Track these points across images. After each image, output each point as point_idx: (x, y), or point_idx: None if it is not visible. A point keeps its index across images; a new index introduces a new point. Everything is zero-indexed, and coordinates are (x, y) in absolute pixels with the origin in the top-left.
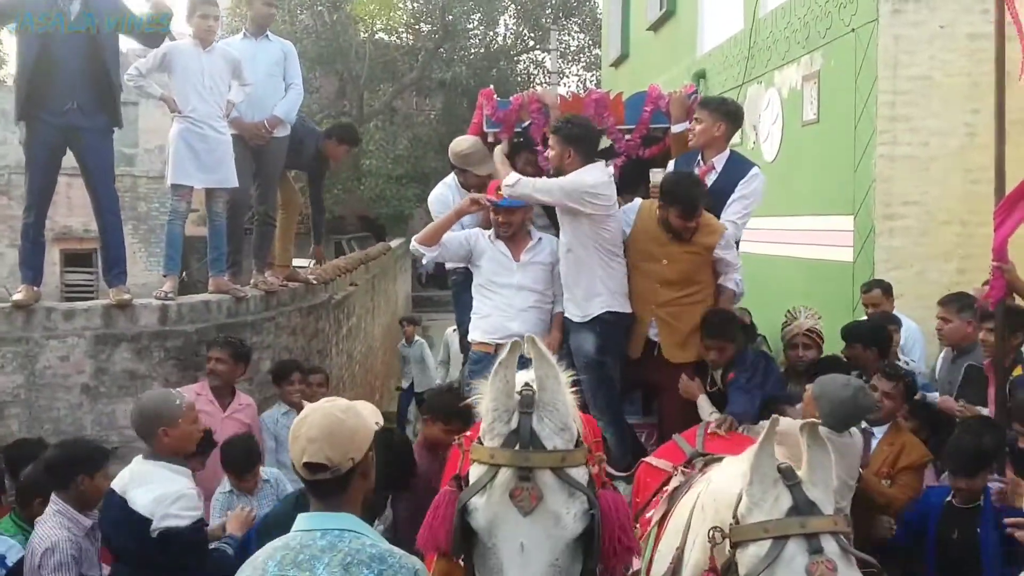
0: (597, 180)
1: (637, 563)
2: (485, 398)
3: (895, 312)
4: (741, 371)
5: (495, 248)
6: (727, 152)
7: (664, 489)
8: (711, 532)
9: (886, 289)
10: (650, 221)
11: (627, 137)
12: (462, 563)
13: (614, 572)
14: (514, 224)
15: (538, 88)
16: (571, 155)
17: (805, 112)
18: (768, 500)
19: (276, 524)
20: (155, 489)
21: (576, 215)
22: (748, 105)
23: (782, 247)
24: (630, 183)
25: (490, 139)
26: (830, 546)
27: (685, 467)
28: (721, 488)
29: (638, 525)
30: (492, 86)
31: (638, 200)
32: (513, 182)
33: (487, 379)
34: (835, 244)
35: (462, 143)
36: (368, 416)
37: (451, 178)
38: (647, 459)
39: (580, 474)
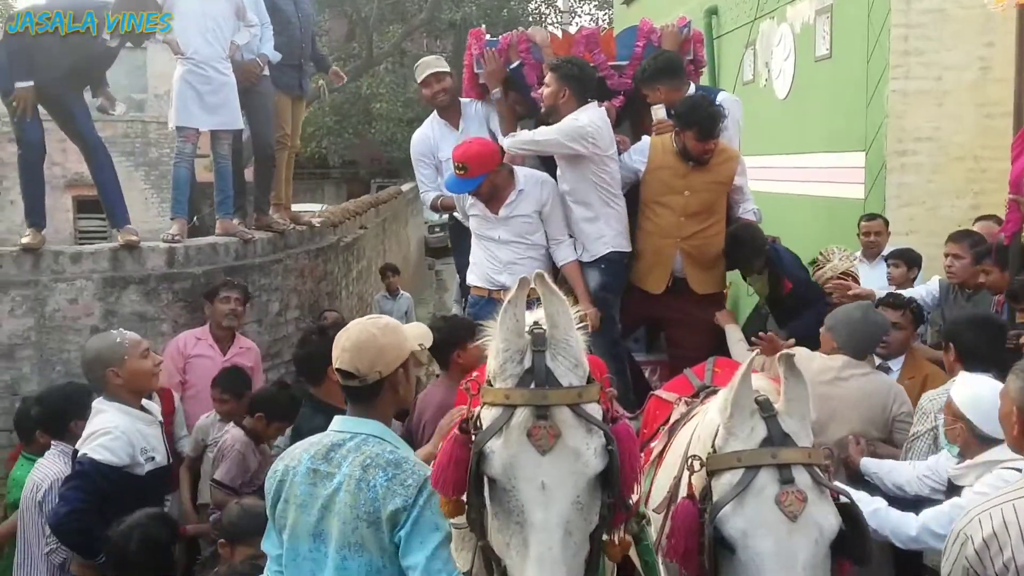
0: (592, 120)
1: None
2: (494, 339)
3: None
4: (796, 283)
5: (477, 203)
6: (691, 89)
7: (667, 421)
8: (690, 460)
9: (885, 222)
10: (666, 155)
11: (620, 75)
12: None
13: (626, 502)
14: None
15: (548, 27)
16: (567, 94)
17: (817, 47)
18: (744, 431)
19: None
20: (92, 424)
21: (576, 159)
22: (761, 41)
23: (793, 184)
24: (631, 120)
25: (481, 80)
26: (802, 477)
27: (689, 400)
28: (713, 419)
29: (643, 455)
30: (502, 26)
31: (647, 139)
32: (513, 137)
33: (490, 320)
34: (846, 181)
35: (422, 60)
36: (408, 337)
37: (433, 116)
38: (656, 392)
39: (595, 410)
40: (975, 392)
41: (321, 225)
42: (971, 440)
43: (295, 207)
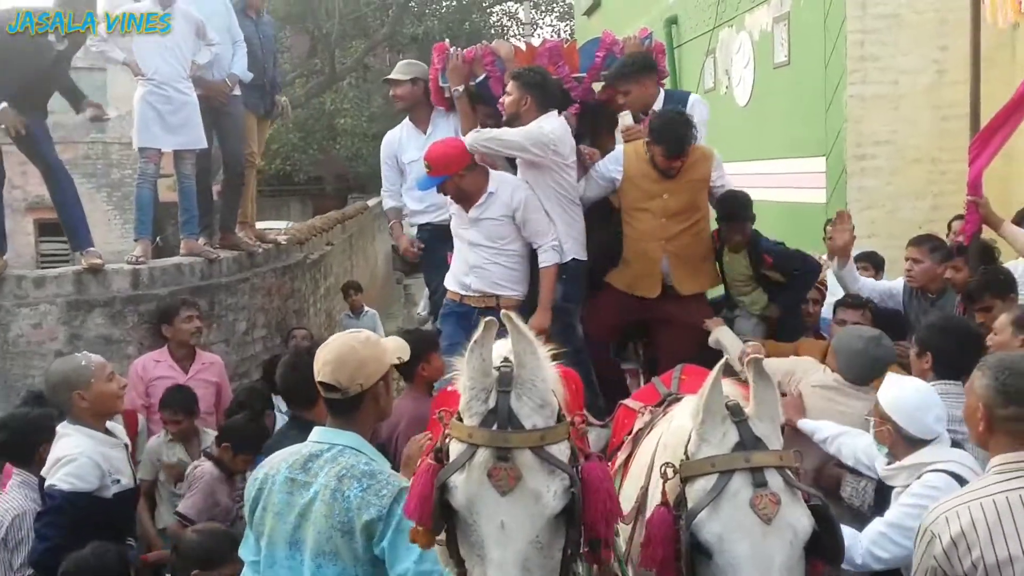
0: (555, 128)
1: None
2: (462, 375)
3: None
4: (776, 255)
5: (453, 203)
6: (660, 94)
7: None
8: (663, 467)
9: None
10: (639, 162)
11: (580, 86)
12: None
13: (607, 539)
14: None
15: (510, 40)
16: (528, 102)
17: (776, 54)
18: (716, 436)
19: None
20: (57, 451)
21: (538, 167)
22: (720, 49)
23: (755, 191)
24: (590, 130)
25: (446, 94)
26: (775, 480)
27: (653, 408)
28: (680, 426)
29: (610, 465)
30: (464, 39)
31: (620, 147)
32: (476, 133)
33: (451, 328)
34: (808, 186)
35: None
36: (388, 350)
37: (406, 119)
38: (625, 401)
39: (561, 450)
40: (900, 393)
41: (287, 243)
42: (899, 441)
43: (260, 225)
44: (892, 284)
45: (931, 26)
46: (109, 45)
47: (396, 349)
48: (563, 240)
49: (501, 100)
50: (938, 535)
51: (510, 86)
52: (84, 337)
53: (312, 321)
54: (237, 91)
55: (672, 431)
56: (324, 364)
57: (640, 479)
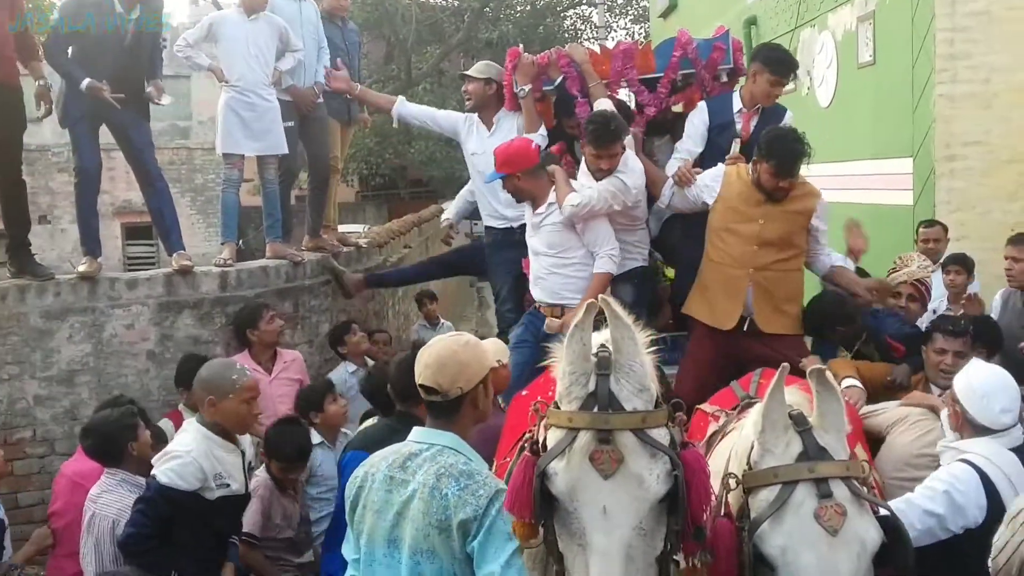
0: (636, 182)
1: None
2: (561, 361)
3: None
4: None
5: (527, 205)
6: (735, 99)
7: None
8: (725, 478)
9: (944, 228)
10: (740, 183)
11: (656, 89)
12: (542, 527)
13: (703, 527)
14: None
15: (584, 43)
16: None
17: (860, 54)
18: (779, 446)
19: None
20: (172, 444)
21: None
22: (802, 50)
23: (841, 192)
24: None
25: (520, 98)
26: (840, 491)
27: (728, 412)
28: (749, 435)
29: None
30: (538, 43)
31: (721, 166)
32: (576, 202)
33: (561, 342)
34: (895, 188)
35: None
36: (488, 353)
37: (475, 114)
38: (701, 406)
39: (661, 435)
40: (972, 378)
41: (367, 246)
42: (965, 425)
43: (341, 229)
44: (994, 303)
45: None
46: (194, 51)
47: (496, 352)
48: (632, 252)
49: (583, 102)
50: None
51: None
52: (174, 337)
53: (391, 323)
54: (320, 98)
55: (743, 439)
56: (425, 367)
57: (715, 485)
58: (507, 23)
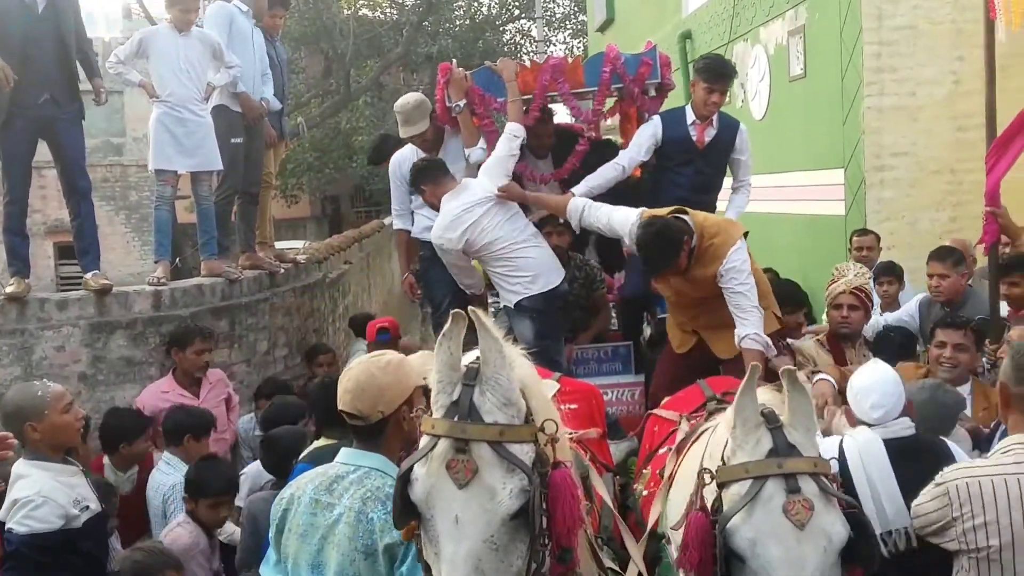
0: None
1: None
2: (432, 370)
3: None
4: None
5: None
6: (689, 113)
7: (672, 437)
8: (700, 472)
9: (877, 237)
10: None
11: (589, 106)
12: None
13: (571, 546)
14: None
15: (524, 58)
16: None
17: (792, 67)
18: (750, 442)
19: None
20: (14, 492)
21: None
22: (735, 63)
23: (774, 204)
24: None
25: (453, 114)
26: (808, 486)
27: (691, 415)
28: (723, 433)
29: (648, 468)
30: (478, 57)
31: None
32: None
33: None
34: (827, 198)
35: (398, 102)
36: (413, 372)
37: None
38: (655, 411)
39: (523, 451)
40: (853, 378)
41: (306, 262)
42: (851, 417)
43: (279, 245)
44: (908, 308)
45: (947, 37)
46: (126, 67)
47: (422, 369)
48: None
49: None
50: (952, 497)
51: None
52: (107, 359)
53: (332, 340)
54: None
55: (717, 438)
56: (344, 392)
57: (688, 487)
58: (446, 37)
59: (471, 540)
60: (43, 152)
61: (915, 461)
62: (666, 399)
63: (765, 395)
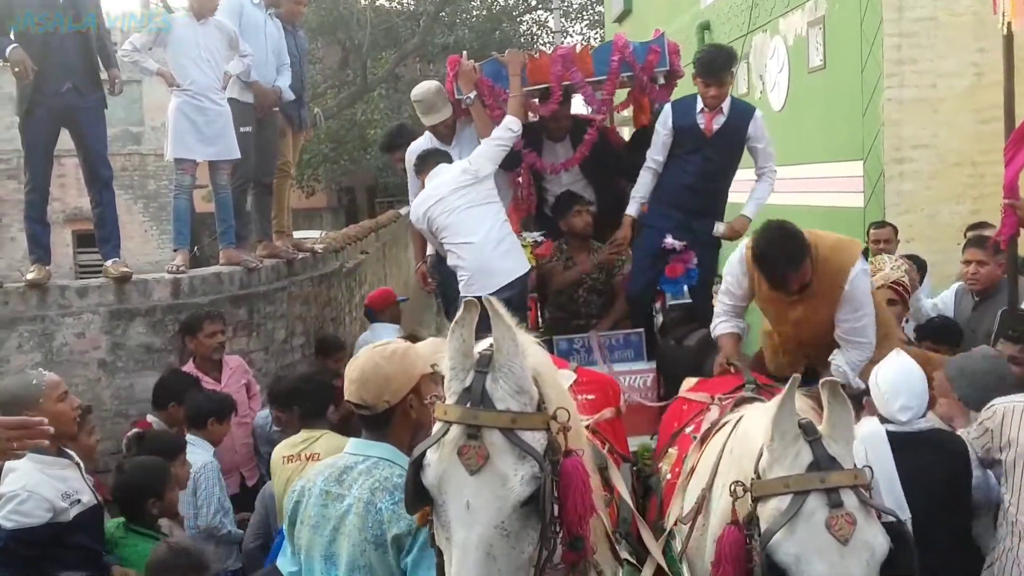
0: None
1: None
2: (445, 357)
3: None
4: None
5: None
6: (729, 95)
7: (698, 419)
8: (732, 486)
9: (895, 229)
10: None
11: (600, 94)
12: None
13: (584, 535)
14: None
15: (539, 49)
16: None
17: (811, 59)
18: (789, 456)
19: None
20: (3, 486)
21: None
22: (754, 54)
23: (792, 195)
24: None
25: (464, 106)
26: (850, 500)
27: (722, 397)
28: (748, 436)
29: (675, 449)
30: (494, 47)
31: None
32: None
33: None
34: (845, 190)
35: (416, 90)
36: (419, 361)
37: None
38: (684, 393)
39: (535, 438)
40: (878, 377)
41: (323, 251)
42: (872, 410)
43: (296, 235)
44: (943, 297)
45: (969, 28)
46: (143, 55)
47: (429, 356)
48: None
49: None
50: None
51: None
52: (126, 346)
53: (348, 329)
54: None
55: (740, 437)
56: (350, 383)
57: (703, 479)
58: (463, 28)
59: (482, 526)
60: (62, 141)
61: (931, 453)
62: (695, 380)
63: (799, 403)
